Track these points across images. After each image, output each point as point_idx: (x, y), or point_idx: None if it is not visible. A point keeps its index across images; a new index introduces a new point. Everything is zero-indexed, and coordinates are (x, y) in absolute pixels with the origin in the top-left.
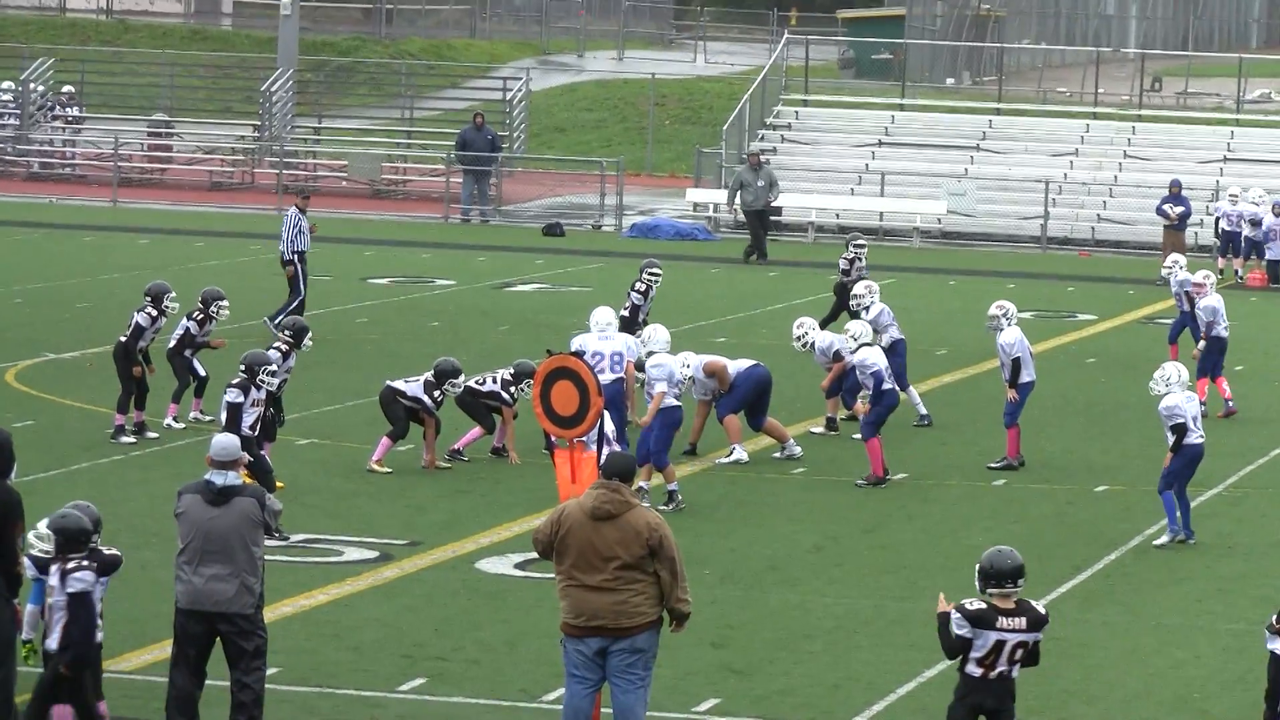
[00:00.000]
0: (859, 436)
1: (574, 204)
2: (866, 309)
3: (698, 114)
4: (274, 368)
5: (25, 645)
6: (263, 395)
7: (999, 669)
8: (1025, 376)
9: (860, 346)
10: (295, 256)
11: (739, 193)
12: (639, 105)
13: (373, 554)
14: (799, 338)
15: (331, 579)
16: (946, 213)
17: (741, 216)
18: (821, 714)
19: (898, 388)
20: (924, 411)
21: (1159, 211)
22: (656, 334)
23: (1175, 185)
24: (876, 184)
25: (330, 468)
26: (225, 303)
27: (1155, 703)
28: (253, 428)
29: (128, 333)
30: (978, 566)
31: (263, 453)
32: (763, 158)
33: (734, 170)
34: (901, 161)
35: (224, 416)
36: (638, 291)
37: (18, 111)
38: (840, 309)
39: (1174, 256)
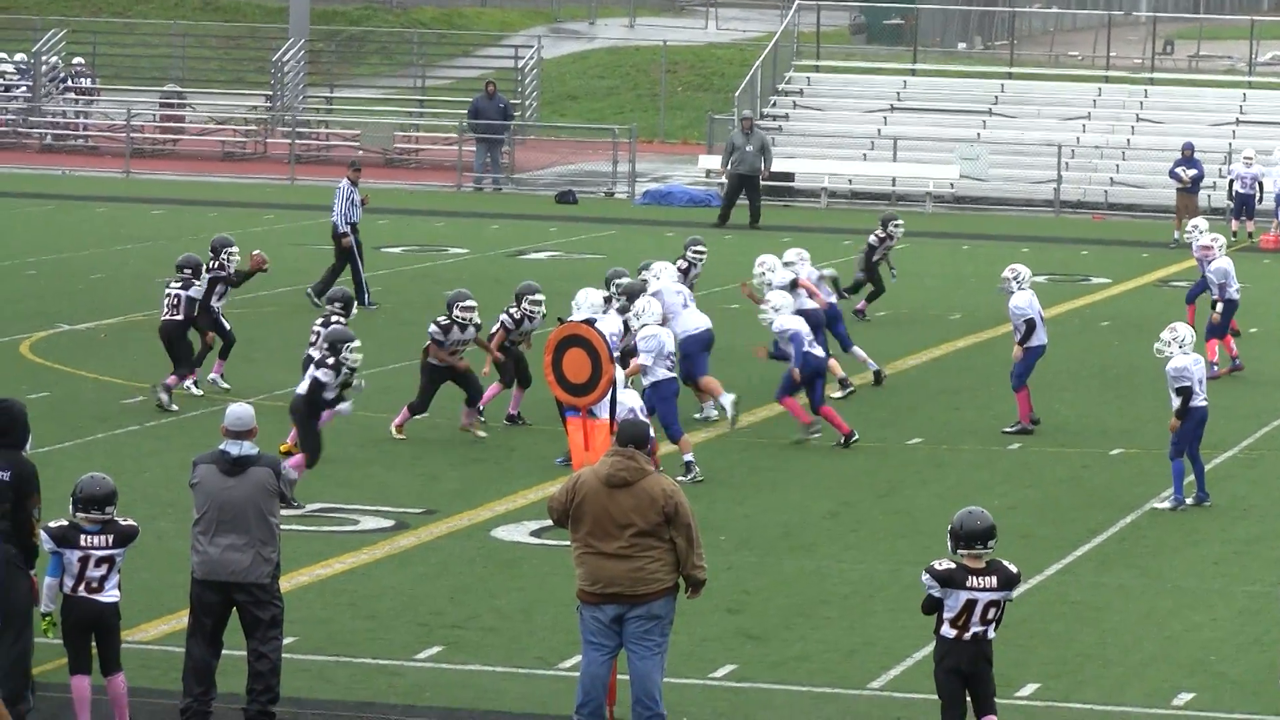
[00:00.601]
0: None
1: (586, 171)
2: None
3: (709, 80)
4: (358, 343)
5: (45, 618)
6: (342, 377)
7: (973, 629)
8: (1037, 340)
9: (779, 315)
10: (349, 227)
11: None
12: (651, 72)
13: (388, 523)
14: (758, 275)
15: (347, 548)
16: (959, 177)
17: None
18: (838, 679)
19: (821, 351)
20: (874, 366)
21: (1172, 175)
22: (650, 307)
23: (1188, 148)
24: (889, 149)
25: (345, 437)
26: (235, 249)
27: (1172, 665)
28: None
29: (180, 311)
30: (949, 528)
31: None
32: (756, 121)
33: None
34: (914, 126)
35: (304, 388)
36: (679, 269)
37: (30, 84)
38: (872, 279)
39: (1194, 221)
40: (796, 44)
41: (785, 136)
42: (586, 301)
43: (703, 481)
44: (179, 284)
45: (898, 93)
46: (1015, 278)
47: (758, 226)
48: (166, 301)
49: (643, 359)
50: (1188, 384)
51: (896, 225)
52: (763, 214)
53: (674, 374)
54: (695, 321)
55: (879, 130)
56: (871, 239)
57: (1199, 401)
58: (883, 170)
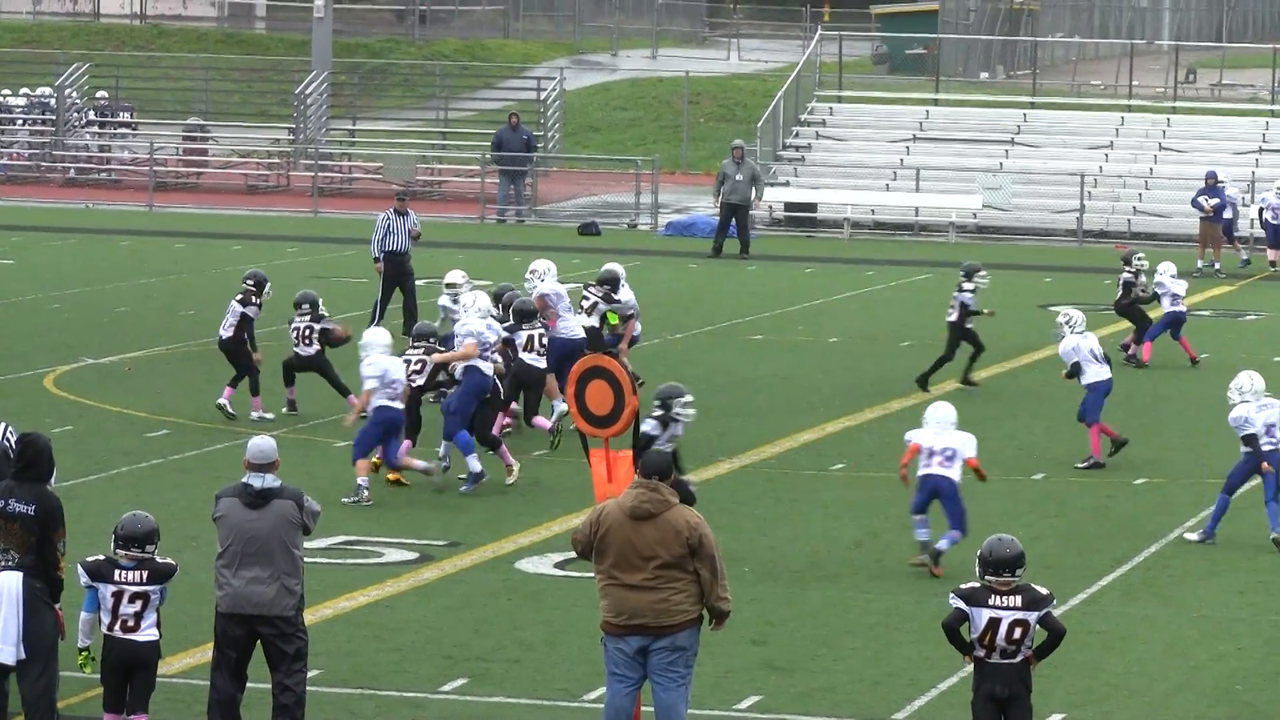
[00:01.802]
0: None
1: (609, 203)
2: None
3: (732, 111)
4: (689, 398)
5: (82, 653)
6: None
7: (1000, 647)
8: (1097, 375)
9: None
10: (381, 255)
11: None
12: (673, 103)
13: (412, 555)
14: (528, 281)
15: (372, 580)
16: (982, 207)
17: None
18: (863, 710)
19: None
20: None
21: (1194, 204)
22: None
23: (1211, 177)
24: (911, 179)
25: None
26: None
27: (1198, 695)
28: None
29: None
30: (978, 554)
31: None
32: (746, 151)
33: (768, 167)
34: (936, 156)
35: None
36: (967, 291)
37: (54, 118)
38: (1132, 317)
39: (1162, 265)
40: (819, 74)
41: (807, 167)
42: (474, 305)
43: (370, 505)
44: (308, 318)
45: (920, 123)
46: (1067, 322)
47: (747, 256)
48: (296, 335)
49: (367, 385)
50: (1251, 431)
51: (1140, 259)
52: (752, 245)
53: (396, 404)
54: (568, 328)
55: (901, 160)
56: (1126, 276)
57: (1267, 446)
58: (906, 200)
